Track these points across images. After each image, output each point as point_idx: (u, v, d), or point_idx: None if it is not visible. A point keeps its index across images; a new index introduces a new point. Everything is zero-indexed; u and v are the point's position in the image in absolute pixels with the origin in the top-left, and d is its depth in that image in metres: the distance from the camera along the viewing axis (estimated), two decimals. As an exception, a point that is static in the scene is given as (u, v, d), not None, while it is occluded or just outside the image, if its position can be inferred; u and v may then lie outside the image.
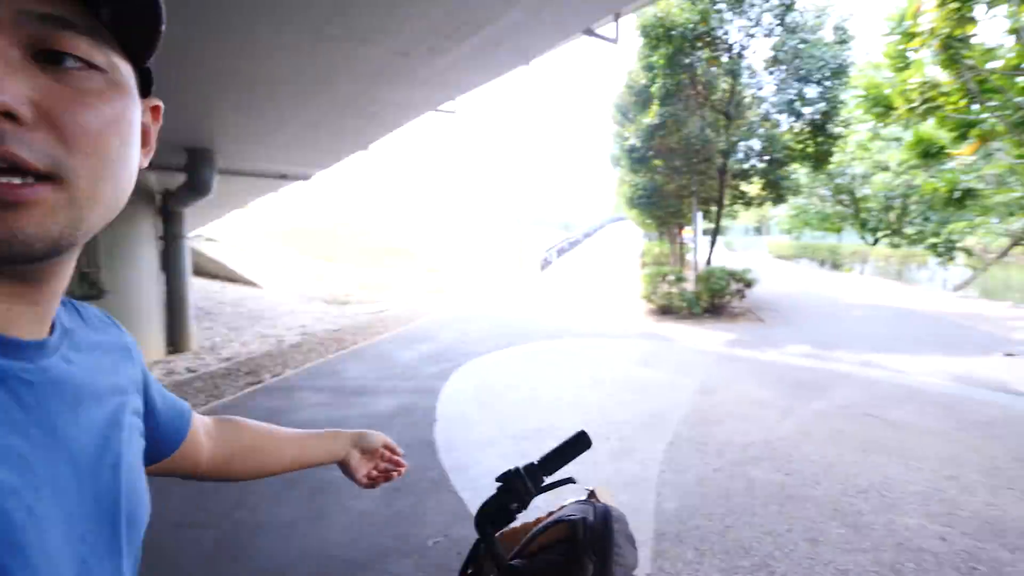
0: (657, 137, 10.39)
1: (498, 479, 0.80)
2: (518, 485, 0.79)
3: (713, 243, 12.13)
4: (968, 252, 14.07)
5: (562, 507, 0.81)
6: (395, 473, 0.94)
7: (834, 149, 10.70)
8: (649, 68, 10.23)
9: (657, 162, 11.10)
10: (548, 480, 0.82)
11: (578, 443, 0.84)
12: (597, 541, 0.70)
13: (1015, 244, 13.25)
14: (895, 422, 4.24)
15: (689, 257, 17.09)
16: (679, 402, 4.94)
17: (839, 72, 9.57)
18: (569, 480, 0.85)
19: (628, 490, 3.31)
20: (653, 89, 10.10)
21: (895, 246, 18.63)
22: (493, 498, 0.80)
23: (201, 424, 0.69)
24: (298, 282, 18.02)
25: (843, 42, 9.82)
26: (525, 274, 20.93)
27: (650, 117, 10.13)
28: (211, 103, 5.96)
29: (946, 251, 13.54)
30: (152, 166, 0.66)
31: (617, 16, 6.26)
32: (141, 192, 7.84)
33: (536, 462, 0.82)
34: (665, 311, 9.99)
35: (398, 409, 5.10)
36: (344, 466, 0.87)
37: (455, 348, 7.68)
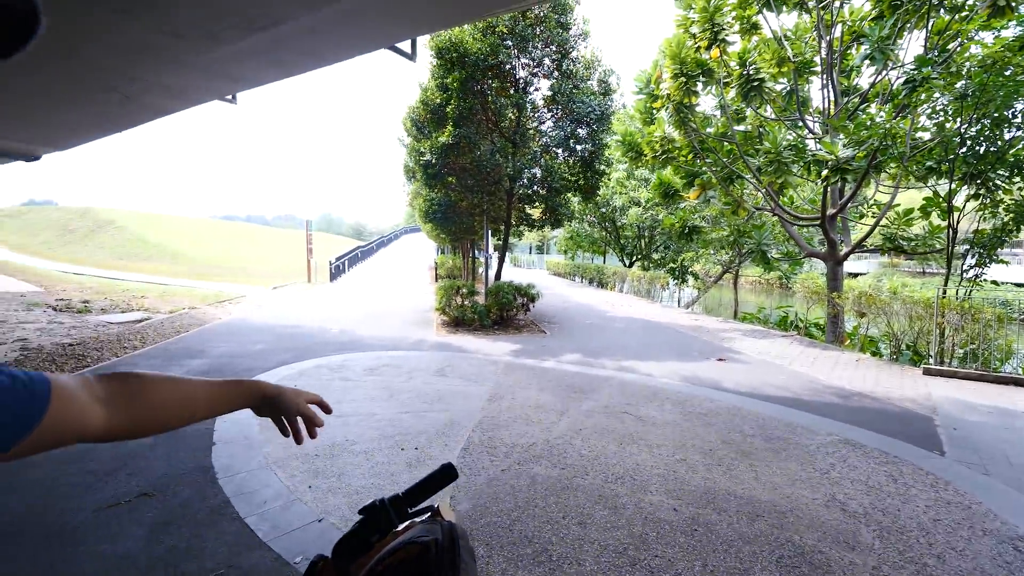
0: (451, 156, 10.67)
1: (360, 511, 0.80)
2: (380, 517, 0.80)
3: (502, 260, 12.92)
4: (695, 276, 17.81)
5: (408, 527, 0.82)
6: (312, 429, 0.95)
7: (600, 183, 12.39)
8: (444, 88, 10.48)
9: (451, 179, 11.39)
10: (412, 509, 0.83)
11: (444, 476, 0.85)
12: (446, 560, 0.70)
13: (725, 272, 17.22)
14: (644, 417, 4.95)
15: (480, 271, 17.94)
16: (472, 410, 5.07)
17: (603, 118, 11.16)
18: (431, 508, 0.86)
19: None
20: (448, 110, 10.37)
21: (645, 268, 22.50)
22: (353, 529, 0.79)
23: (85, 389, 0.63)
24: (8, 283, 13.72)
25: (606, 93, 11.49)
26: (315, 283, 19.39)
27: (445, 136, 10.36)
28: None
29: (680, 275, 16.87)
30: None
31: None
32: None
33: (401, 494, 0.83)
34: (458, 323, 10.22)
35: (164, 435, 4.14)
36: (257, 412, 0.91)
37: (234, 364, 6.76)
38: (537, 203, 12.33)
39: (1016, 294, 9.62)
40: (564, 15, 10.49)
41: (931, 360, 7.34)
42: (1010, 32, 7.70)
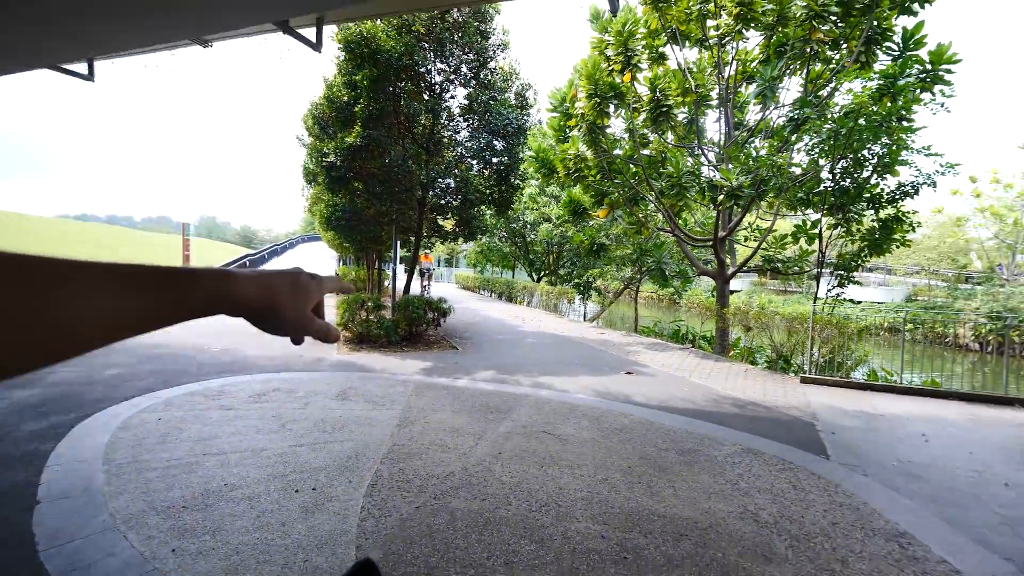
0: (359, 159, 9.97)
1: None
2: None
3: (411, 272, 12.32)
4: (599, 291, 18.40)
5: None
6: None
7: (515, 197, 12.29)
8: (352, 86, 9.79)
9: (358, 184, 10.65)
10: None
11: None
12: None
13: (625, 287, 17.92)
14: (562, 436, 4.75)
15: (387, 284, 17.08)
16: (380, 438, 4.54)
17: (519, 132, 11.09)
18: None
19: (323, 550, 2.76)
20: (357, 109, 9.68)
21: (552, 283, 22.86)
22: None
23: None
24: None
25: (523, 107, 11.46)
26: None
27: (352, 138, 9.65)
28: None
29: (585, 290, 17.31)
30: None
31: (320, 21, 5.62)
32: None
33: None
34: (363, 339, 9.48)
35: None
36: None
37: (75, 394, 5.53)
38: (450, 214, 11.93)
39: (853, 310, 10.92)
40: (484, 23, 10.30)
41: (805, 369, 8.07)
42: (873, 84, 8.75)
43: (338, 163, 10.06)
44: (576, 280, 17.90)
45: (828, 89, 9.76)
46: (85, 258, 0.37)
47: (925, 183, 8.71)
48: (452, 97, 11.00)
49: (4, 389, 5.50)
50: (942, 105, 8.54)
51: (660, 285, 15.02)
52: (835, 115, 8.64)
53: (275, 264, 34.14)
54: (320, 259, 39.46)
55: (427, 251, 20.29)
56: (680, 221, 12.58)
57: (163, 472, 3.65)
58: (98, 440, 4.22)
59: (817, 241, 9.15)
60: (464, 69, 10.54)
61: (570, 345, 10.42)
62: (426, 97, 10.59)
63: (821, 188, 9.14)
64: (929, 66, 8.46)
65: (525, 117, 11.24)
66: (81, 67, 5.92)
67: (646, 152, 11.78)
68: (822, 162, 9.03)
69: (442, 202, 11.59)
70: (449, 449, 4.32)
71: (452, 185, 11.36)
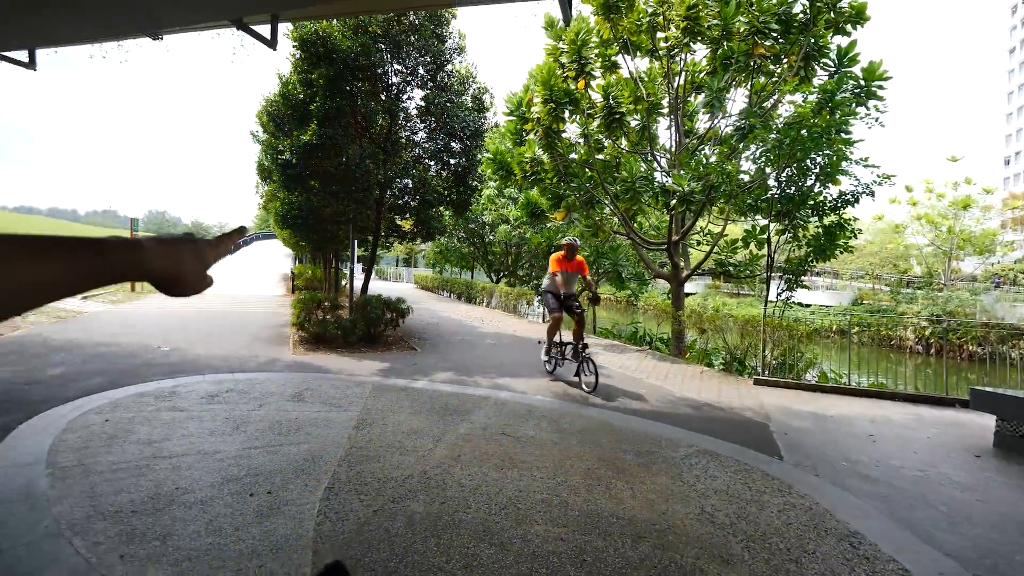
0: (315, 158, 9.83)
1: None
2: None
3: (369, 272, 12.21)
4: (556, 292, 18.75)
5: None
6: None
7: (472, 199, 12.38)
8: (308, 84, 9.65)
9: (314, 183, 10.49)
10: None
11: None
12: None
13: (583, 290, 18.32)
14: (522, 438, 4.86)
15: (344, 284, 16.82)
16: (337, 440, 4.53)
17: (477, 134, 11.19)
18: None
19: (279, 555, 2.76)
20: (313, 107, 9.55)
21: (511, 284, 23.06)
22: None
23: None
24: None
25: (480, 110, 11.57)
26: (141, 292, 16.44)
27: (308, 136, 9.51)
28: None
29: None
30: None
31: (275, 18, 5.57)
32: None
33: None
34: (319, 340, 9.34)
35: None
36: None
37: (16, 394, 5.34)
38: (408, 215, 11.90)
39: (803, 313, 11.61)
40: (440, 27, 10.36)
41: (759, 371, 8.47)
42: (813, 98, 9.34)
43: (294, 161, 9.89)
44: (535, 282, 18.14)
45: (772, 101, 10.34)
46: None
47: (864, 192, 9.35)
48: (410, 99, 11.00)
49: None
50: (876, 120, 9.17)
51: (617, 287, 15.43)
52: (779, 125, 9.17)
53: (231, 261, 32.85)
54: (275, 257, 38.24)
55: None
56: (635, 225, 12.98)
57: (110, 476, 3.57)
58: (41, 443, 4.06)
59: (766, 246, 9.67)
60: (421, 71, 10.56)
61: (529, 346, 10.60)
62: (383, 97, 10.54)
63: (768, 195, 9.65)
64: (863, 82, 9.05)
65: (482, 120, 11.36)
66: (21, 55, 5.64)
67: (600, 157, 12.11)
68: (768, 170, 9.55)
69: (400, 202, 11.55)
70: (408, 451, 4.35)
71: (410, 185, 11.35)
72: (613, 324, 18.80)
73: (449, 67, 10.75)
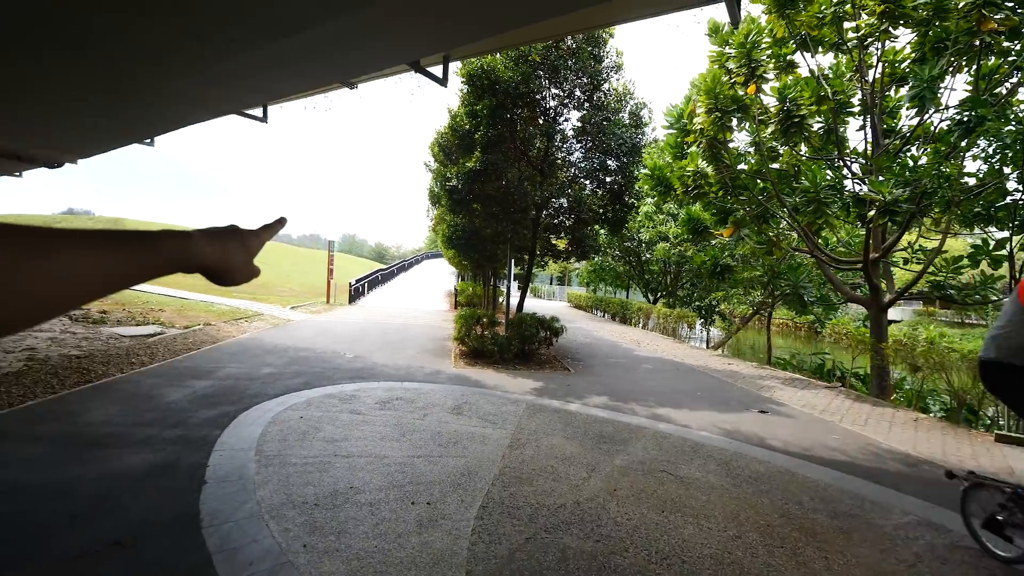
0: (478, 182, 10.47)
1: None
2: None
3: (525, 290, 12.54)
4: (723, 316, 17.10)
5: None
6: None
7: (629, 216, 12.03)
8: (473, 115, 10.35)
9: (476, 206, 11.17)
10: None
11: None
12: None
13: (755, 313, 16.55)
14: (685, 478, 4.40)
15: (501, 301, 17.55)
16: (491, 458, 4.60)
17: (634, 151, 10.88)
18: None
19: (435, 571, 2.82)
20: (477, 136, 10.22)
21: (670, 306, 21.88)
22: None
23: None
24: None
25: (637, 126, 11.25)
26: (334, 303, 19.22)
27: (472, 162, 10.18)
28: None
29: (708, 314, 16.21)
30: None
31: (446, 59, 6.07)
32: None
33: None
34: (477, 355, 9.80)
35: (152, 467, 3.92)
36: None
37: (240, 388, 6.45)
38: (563, 234, 12.00)
39: None
40: (597, 47, 10.36)
41: (1001, 424, 6.63)
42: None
43: (459, 186, 10.66)
44: (697, 303, 16.90)
45: (1009, 84, 8.25)
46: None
47: None
48: (566, 120, 11.16)
49: (188, 380, 6.56)
50: None
51: (797, 312, 13.63)
52: (1021, 115, 7.25)
53: (404, 278, 36.87)
54: (441, 275, 41.82)
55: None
56: (819, 240, 11.36)
57: (301, 468, 4.06)
58: (253, 432, 4.83)
59: (1008, 264, 7.66)
60: (578, 93, 10.65)
61: (691, 375, 9.81)
62: (541, 121, 10.85)
63: (1007, 201, 7.69)
64: None
65: (640, 136, 11.02)
66: (257, 111, 6.97)
67: (775, 166, 10.87)
68: (1007, 170, 7.61)
69: (555, 221, 11.71)
70: (560, 478, 4.22)
71: (565, 205, 11.45)
72: (793, 354, 16.61)
73: (606, 86, 10.69)
